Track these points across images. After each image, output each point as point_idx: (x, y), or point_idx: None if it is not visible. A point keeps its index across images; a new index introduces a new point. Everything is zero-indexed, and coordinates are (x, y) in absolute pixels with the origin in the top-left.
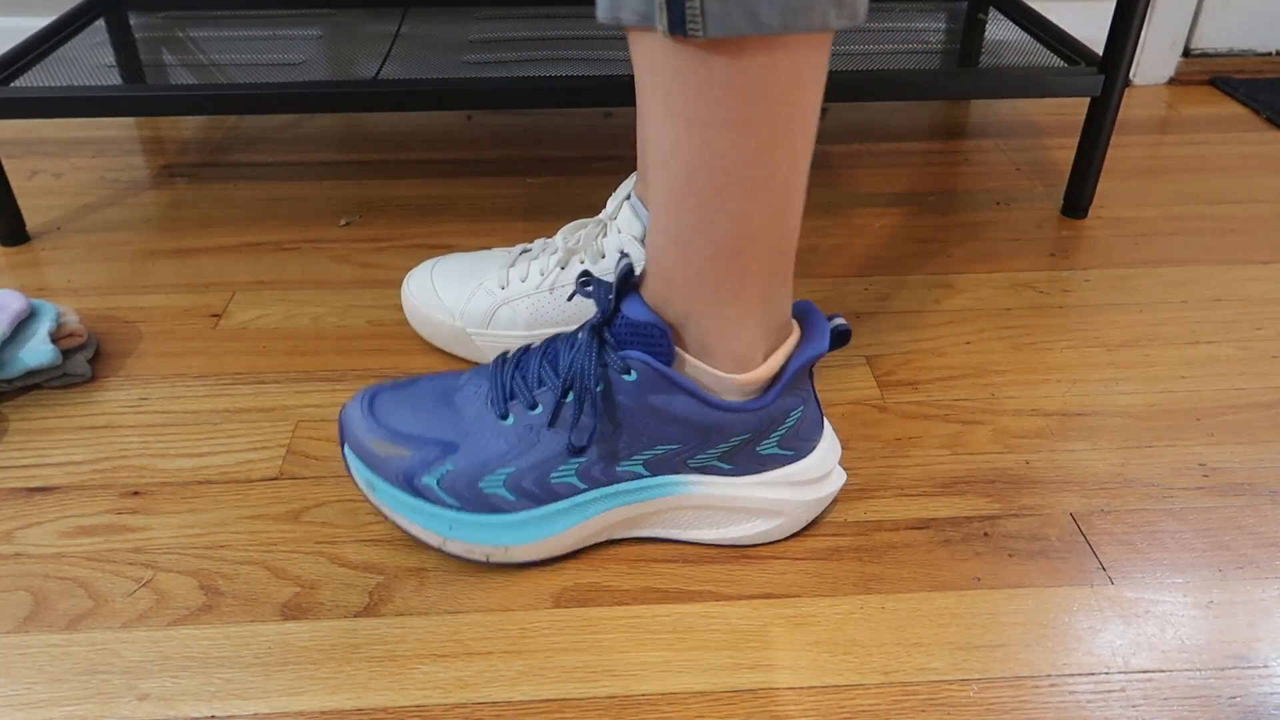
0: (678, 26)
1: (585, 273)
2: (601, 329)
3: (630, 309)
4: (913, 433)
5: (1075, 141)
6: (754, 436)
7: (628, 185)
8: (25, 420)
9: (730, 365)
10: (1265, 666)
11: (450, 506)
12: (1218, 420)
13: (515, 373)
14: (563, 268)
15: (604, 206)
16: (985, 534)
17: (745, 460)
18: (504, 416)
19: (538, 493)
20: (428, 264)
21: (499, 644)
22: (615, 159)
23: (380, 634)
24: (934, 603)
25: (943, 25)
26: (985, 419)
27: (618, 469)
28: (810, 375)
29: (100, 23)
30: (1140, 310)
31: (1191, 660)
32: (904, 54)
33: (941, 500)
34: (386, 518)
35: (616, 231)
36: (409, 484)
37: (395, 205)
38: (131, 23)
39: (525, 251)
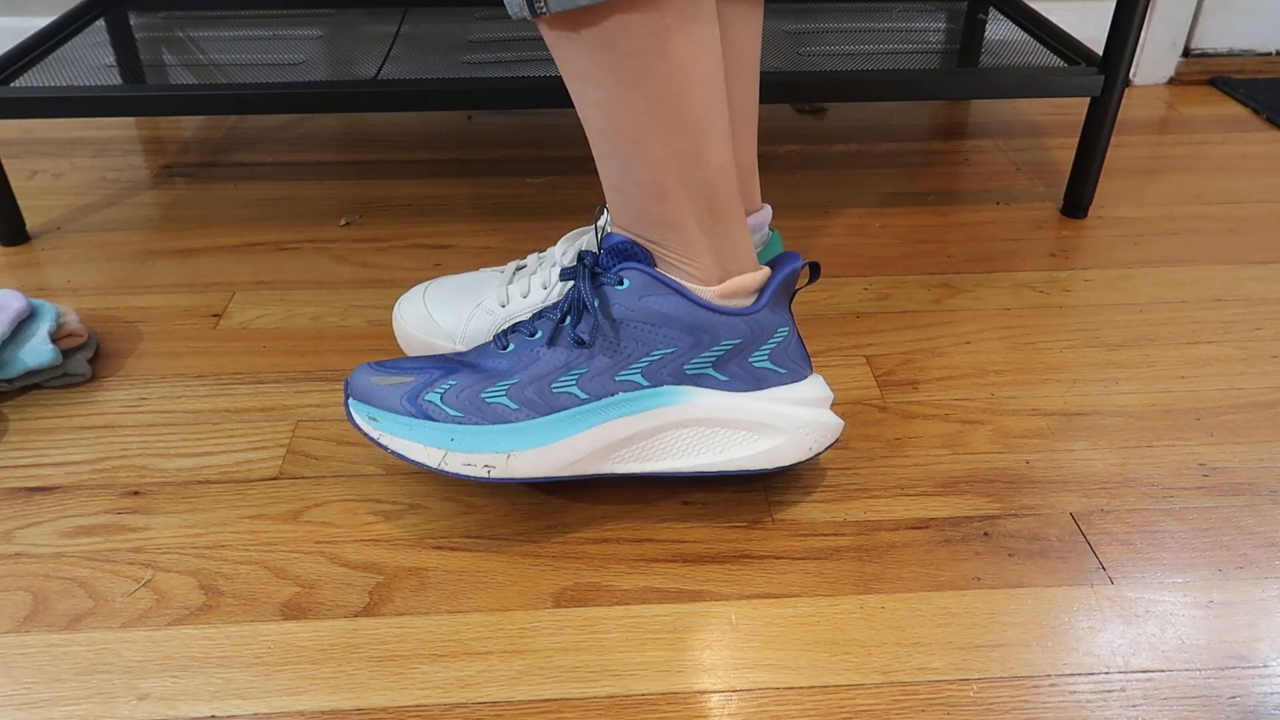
0: (531, 9)
1: (578, 255)
2: (592, 264)
3: (609, 240)
4: (913, 433)
5: (1075, 141)
6: (745, 344)
7: None
8: (25, 420)
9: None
10: (1265, 666)
11: (452, 419)
12: (1218, 420)
13: (511, 327)
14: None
15: (602, 209)
16: (985, 534)
17: (740, 372)
18: (504, 347)
19: (539, 401)
20: (417, 289)
21: (499, 644)
22: None
23: (380, 634)
24: (934, 603)
25: (943, 25)
26: (985, 419)
27: (617, 378)
28: (790, 305)
29: (100, 23)
30: (1140, 310)
31: (1191, 660)
32: (904, 54)
33: (941, 500)
34: (388, 449)
35: None
36: (413, 403)
37: (395, 205)
38: (131, 23)
39: (520, 268)
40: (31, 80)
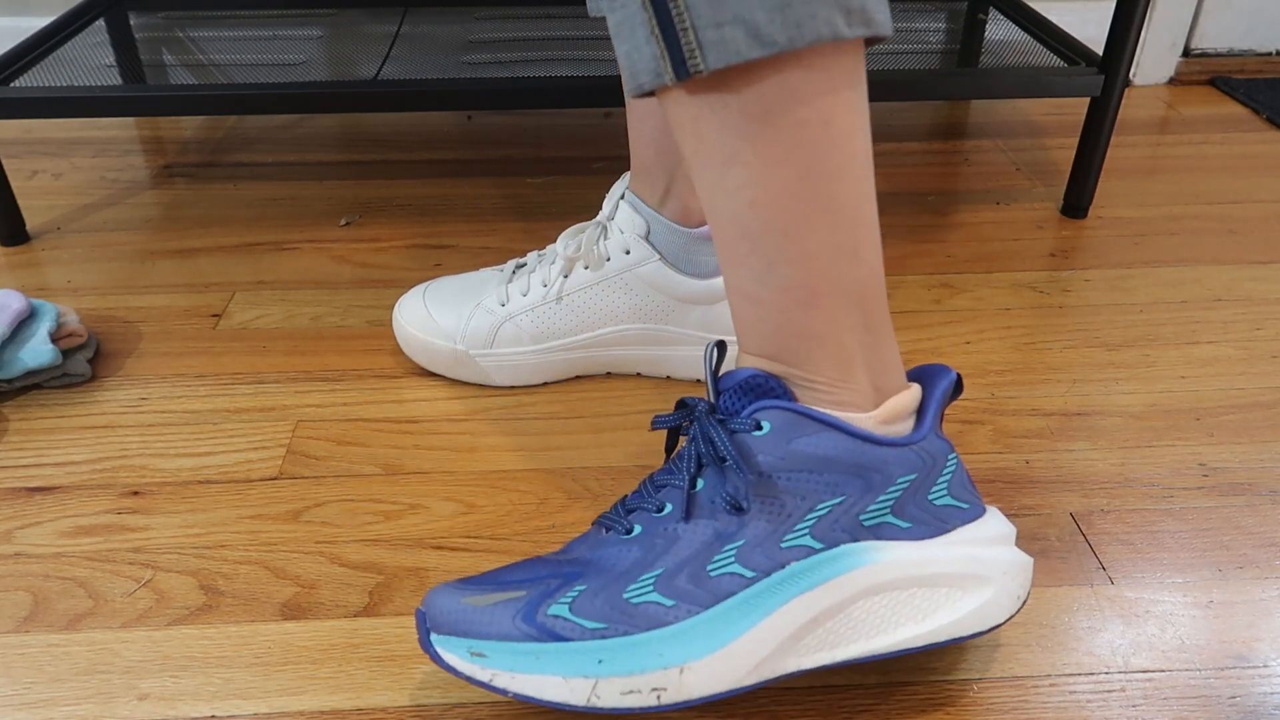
0: (680, 68)
1: (680, 402)
2: (712, 409)
3: (729, 378)
4: None
5: (1075, 141)
6: (921, 480)
7: (622, 184)
8: (25, 420)
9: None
10: (1265, 666)
11: (594, 634)
12: (1218, 420)
13: (621, 505)
14: (566, 276)
15: (616, 209)
16: None
17: (922, 514)
18: (628, 531)
19: (698, 591)
20: (417, 290)
21: None
22: (615, 159)
23: (380, 634)
24: None
25: (943, 25)
26: (985, 419)
27: (783, 546)
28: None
29: (100, 23)
30: (1140, 310)
31: (1191, 660)
32: (904, 54)
33: None
34: (509, 693)
35: (618, 232)
36: (532, 623)
37: (395, 205)
38: (131, 23)
39: (520, 266)
40: (31, 80)
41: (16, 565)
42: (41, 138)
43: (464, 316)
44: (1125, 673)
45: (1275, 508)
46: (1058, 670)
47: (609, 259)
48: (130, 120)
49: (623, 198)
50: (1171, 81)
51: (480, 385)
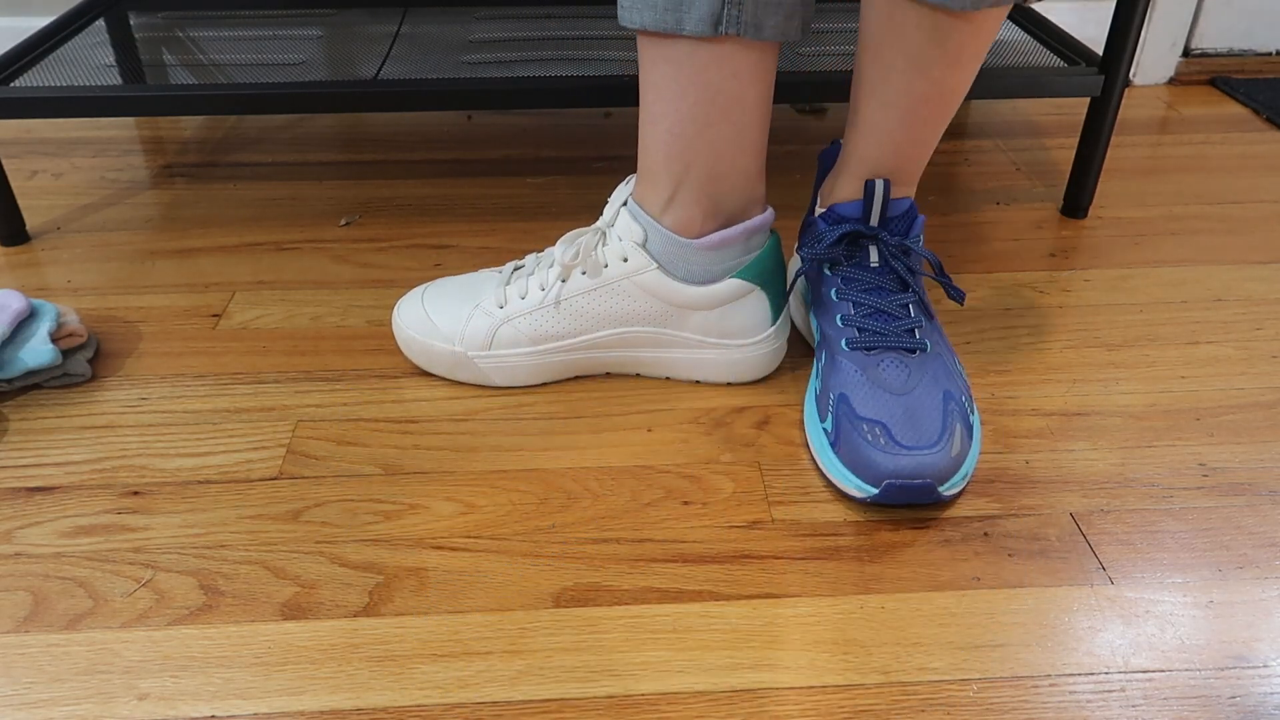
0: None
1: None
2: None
3: (903, 204)
4: None
5: (1075, 141)
6: None
7: (625, 189)
8: (25, 420)
9: None
10: (1265, 666)
11: None
12: (1218, 420)
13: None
14: (564, 281)
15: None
16: (985, 534)
17: None
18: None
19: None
20: (416, 292)
21: (499, 644)
22: (615, 159)
23: (380, 634)
24: (934, 603)
25: None
26: (985, 419)
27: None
28: None
29: (100, 23)
30: (1140, 310)
31: (1191, 660)
32: None
33: None
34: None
35: (617, 239)
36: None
37: (395, 205)
38: (131, 23)
39: (518, 269)
40: (31, 80)
41: (16, 565)
42: (41, 138)
43: (462, 319)
44: (1125, 673)
45: (1275, 508)
46: (1058, 670)
47: (607, 266)
48: (130, 120)
49: (625, 204)
50: (1171, 81)
51: (480, 385)
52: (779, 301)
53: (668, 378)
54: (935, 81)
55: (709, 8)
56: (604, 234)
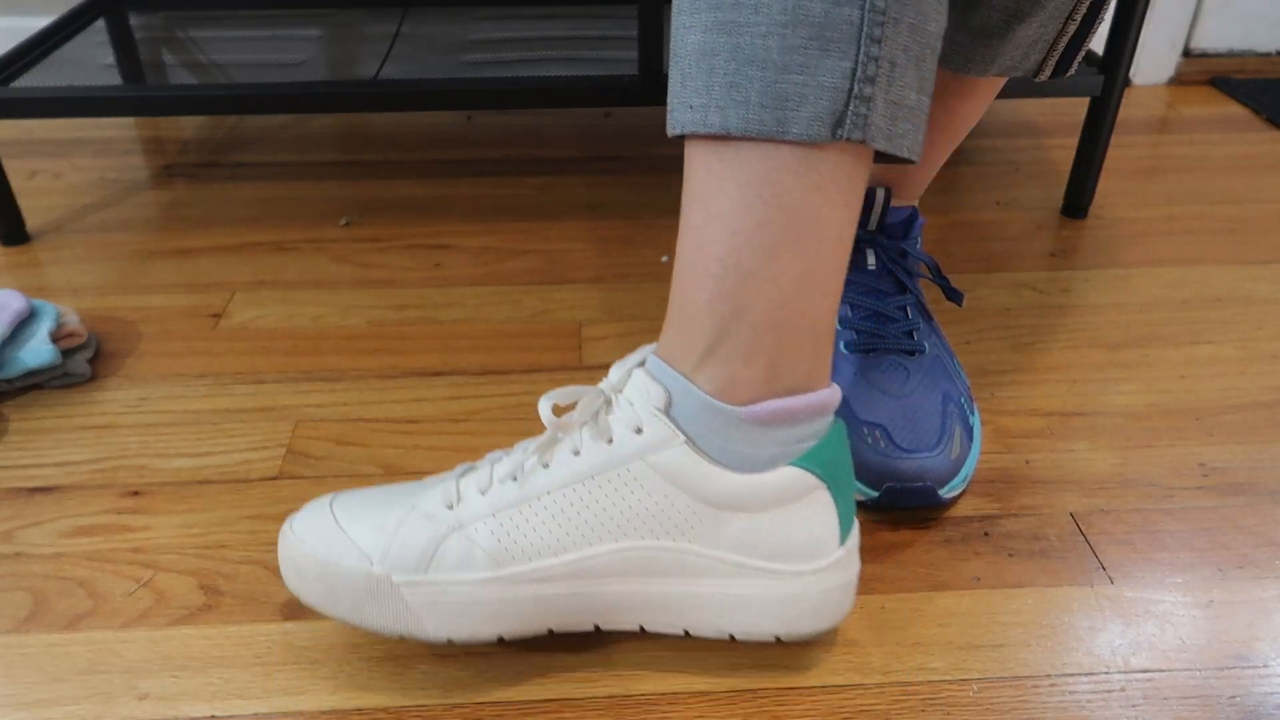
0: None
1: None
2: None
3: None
4: None
5: (1075, 141)
6: None
7: (639, 354)
8: (25, 420)
9: None
10: (1265, 666)
11: None
12: (1218, 420)
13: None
14: (546, 465)
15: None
16: (985, 534)
17: None
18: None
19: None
20: (321, 500)
21: (498, 643)
22: (615, 159)
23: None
24: (934, 603)
25: None
26: (985, 419)
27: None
28: None
29: (100, 23)
30: (1140, 310)
31: (1191, 660)
32: None
33: None
34: None
35: (627, 404)
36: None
37: (395, 205)
38: (131, 23)
39: (470, 470)
40: (31, 80)
41: (16, 565)
42: (41, 138)
43: (390, 526)
44: (1125, 673)
45: (1275, 508)
46: (1058, 670)
47: (611, 440)
48: (130, 120)
49: (642, 364)
50: (1171, 81)
51: (401, 639)
52: (849, 510)
53: (686, 632)
54: (948, 110)
55: (828, 104)
56: (609, 399)
